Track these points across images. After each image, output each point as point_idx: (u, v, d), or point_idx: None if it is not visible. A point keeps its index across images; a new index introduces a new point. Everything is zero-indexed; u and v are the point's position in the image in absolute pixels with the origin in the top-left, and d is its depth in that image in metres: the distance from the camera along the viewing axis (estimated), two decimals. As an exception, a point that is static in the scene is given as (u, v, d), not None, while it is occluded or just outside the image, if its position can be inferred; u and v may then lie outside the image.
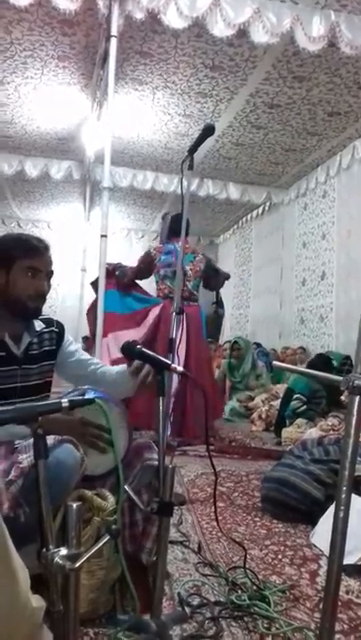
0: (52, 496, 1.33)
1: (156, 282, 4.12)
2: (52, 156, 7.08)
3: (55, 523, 1.36)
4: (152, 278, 4.26)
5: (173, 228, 4.00)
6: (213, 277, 4.19)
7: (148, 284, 4.39)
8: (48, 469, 1.21)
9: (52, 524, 1.15)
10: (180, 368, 1.58)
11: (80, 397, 1.21)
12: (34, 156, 7.08)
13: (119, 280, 4.08)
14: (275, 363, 1.76)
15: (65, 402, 1.14)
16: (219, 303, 11.26)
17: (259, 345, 7.62)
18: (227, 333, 10.07)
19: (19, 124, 6.14)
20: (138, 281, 4.30)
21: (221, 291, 11.03)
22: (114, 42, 3.77)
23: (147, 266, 4.10)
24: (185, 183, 2.37)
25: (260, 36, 3.78)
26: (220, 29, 3.71)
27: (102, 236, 3.88)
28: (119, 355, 1.94)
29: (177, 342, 3.00)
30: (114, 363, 2.82)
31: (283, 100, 5.24)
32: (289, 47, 4.21)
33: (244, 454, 4.11)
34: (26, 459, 1.46)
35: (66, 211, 9.64)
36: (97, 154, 6.06)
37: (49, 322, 1.93)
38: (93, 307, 3.91)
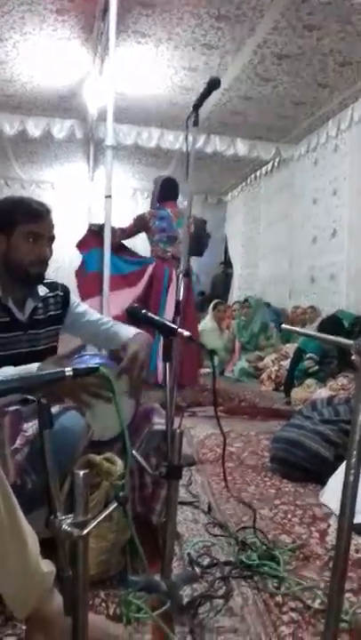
0: (59, 463, 1.32)
1: (150, 244, 4.13)
2: (54, 114, 6.90)
3: (63, 490, 1.37)
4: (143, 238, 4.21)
5: (165, 193, 4.10)
6: (199, 239, 4.12)
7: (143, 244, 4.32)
8: (54, 437, 1.20)
9: (58, 492, 1.15)
10: (187, 333, 1.55)
11: (84, 366, 1.19)
12: (35, 116, 6.90)
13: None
14: (284, 326, 1.73)
15: (69, 370, 1.12)
16: (227, 263, 11.18)
17: (268, 305, 7.58)
18: (235, 293, 10.00)
19: (18, 82, 5.97)
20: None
21: (230, 250, 10.96)
22: (114, -8, 3.61)
23: (140, 229, 4.10)
24: (190, 140, 2.30)
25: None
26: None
27: (107, 196, 3.82)
28: (116, 313, 1.97)
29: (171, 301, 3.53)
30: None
31: (292, 51, 5.02)
32: (298, -7, 4.00)
33: (254, 414, 4.13)
34: (31, 427, 1.46)
35: (69, 171, 9.47)
36: (100, 111, 5.90)
37: (53, 286, 1.91)
38: (81, 269, 3.94)
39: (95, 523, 1.07)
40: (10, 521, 1.23)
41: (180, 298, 2.63)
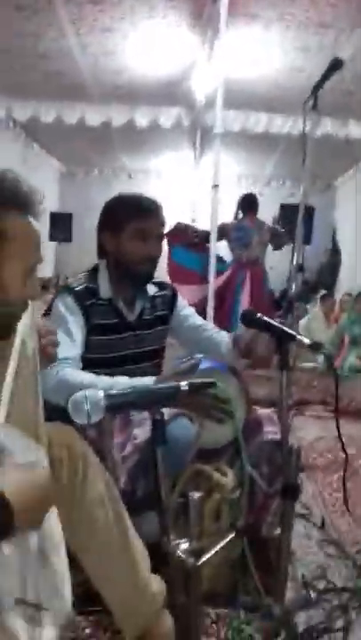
0: (168, 471, 1.27)
1: (230, 248, 4.92)
2: (160, 103, 6.88)
3: (172, 503, 1.30)
4: None
5: (243, 207, 4.92)
6: (277, 240, 4.92)
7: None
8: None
9: (170, 510, 1.08)
10: (308, 340, 1.42)
11: (200, 381, 1.11)
12: (143, 105, 6.94)
13: (189, 238, 4.62)
14: None
15: (184, 385, 1.04)
16: (335, 250, 10.70)
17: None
18: (344, 283, 9.56)
19: (127, 73, 6.00)
20: None
21: (338, 237, 10.47)
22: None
23: (221, 237, 4.42)
24: (307, 124, 2.16)
25: None
26: None
27: (214, 186, 3.74)
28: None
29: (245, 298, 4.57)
30: None
31: None
32: None
33: (366, 416, 3.88)
34: (141, 434, 1.41)
35: (175, 159, 9.48)
36: (207, 97, 5.80)
37: (162, 285, 1.85)
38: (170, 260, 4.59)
39: (211, 553, 0.99)
40: (119, 535, 1.19)
41: (293, 294, 2.52)
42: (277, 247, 4.95)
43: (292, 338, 1.40)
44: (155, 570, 1.27)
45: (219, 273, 4.22)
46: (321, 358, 5.92)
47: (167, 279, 4.87)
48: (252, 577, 1.51)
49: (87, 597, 1.39)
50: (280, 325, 1.42)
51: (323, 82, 2.10)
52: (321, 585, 1.60)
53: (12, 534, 0.79)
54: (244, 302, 4.61)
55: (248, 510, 1.72)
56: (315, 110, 2.13)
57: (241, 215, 4.91)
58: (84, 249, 1.76)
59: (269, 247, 5.08)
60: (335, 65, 2.06)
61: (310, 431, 3.28)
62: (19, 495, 0.77)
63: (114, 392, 1.01)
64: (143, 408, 1.11)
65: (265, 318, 1.47)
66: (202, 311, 3.61)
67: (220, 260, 4.33)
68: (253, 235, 4.77)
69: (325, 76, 2.09)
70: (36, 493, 0.82)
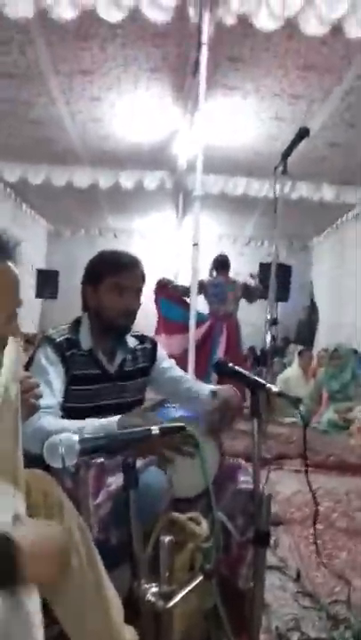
0: (142, 520, 1.29)
1: (208, 303, 5.40)
2: (145, 167, 7.19)
3: (146, 551, 1.32)
4: None
5: (218, 266, 5.44)
6: (250, 295, 5.45)
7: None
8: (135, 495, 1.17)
9: (143, 556, 1.11)
10: (276, 388, 1.49)
11: (170, 425, 1.16)
12: (128, 169, 7.23)
13: (171, 292, 5.17)
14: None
15: (155, 429, 1.09)
16: (313, 307, 10.93)
17: (355, 352, 7.28)
18: (321, 339, 9.72)
19: (113, 139, 6.29)
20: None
21: (316, 295, 10.72)
22: (204, 50, 3.75)
23: (199, 292, 4.82)
24: (278, 188, 2.30)
25: (356, 31, 3.59)
26: (313, 28, 3.57)
27: (194, 244, 3.88)
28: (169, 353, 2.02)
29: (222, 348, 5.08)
30: None
31: (381, 96, 4.95)
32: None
33: (343, 470, 3.90)
34: (114, 481, 1.44)
35: (158, 220, 9.78)
36: (189, 162, 6.08)
37: (142, 338, 1.92)
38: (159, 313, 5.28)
39: (180, 595, 1.02)
40: (93, 582, 1.20)
41: (267, 347, 2.60)
42: (251, 301, 5.49)
43: (262, 386, 1.46)
44: (128, 622, 1.28)
45: (198, 324, 4.45)
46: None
47: (152, 332, 5.23)
48: (226, 628, 1.51)
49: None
50: (250, 374, 1.49)
51: (291, 149, 2.26)
52: (295, 637, 1.60)
53: (19, 584, 0.82)
54: (221, 352, 5.09)
55: (223, 562, 1.73)
56: (285, 175, 2.27)
57: (215, 274, 5.41)
58: (70, 305, 1.83)
59: (243, 302, 5.58)
60: (302, 133, 2.23)
61: (289, 485, 3.29)
62: (31, 546, 0.81)
63: (87, 436, 1.06)
64: (116, 451, 1.15)
65: (236, 368, 1.54)
66: (185, 359, 3.84)
67: (199, 313, 4.54)
68: (228, 290, 5.29)
69: (293, 144, 2.25)
70: (50, 547, 0.85)
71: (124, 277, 1.73)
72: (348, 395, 5.89)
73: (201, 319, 4.85)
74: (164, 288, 5.16)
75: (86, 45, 4.32)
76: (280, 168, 2.27)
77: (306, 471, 1.57)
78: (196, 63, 4.08)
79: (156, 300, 5.20)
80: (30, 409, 1.16)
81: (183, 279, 5.85)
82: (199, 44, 3.80)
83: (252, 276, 5.58)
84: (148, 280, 1.96)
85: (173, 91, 5.08)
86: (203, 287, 5.06)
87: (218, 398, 1.68)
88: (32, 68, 4.68)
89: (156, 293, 5.13)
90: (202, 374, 4.19)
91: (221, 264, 5.45)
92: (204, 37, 3.71)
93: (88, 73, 4.77)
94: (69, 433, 1.08)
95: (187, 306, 4.69)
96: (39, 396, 1.20)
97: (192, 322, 3.95)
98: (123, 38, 4.24)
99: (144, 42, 4.28)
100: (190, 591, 1.51)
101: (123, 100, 5.28)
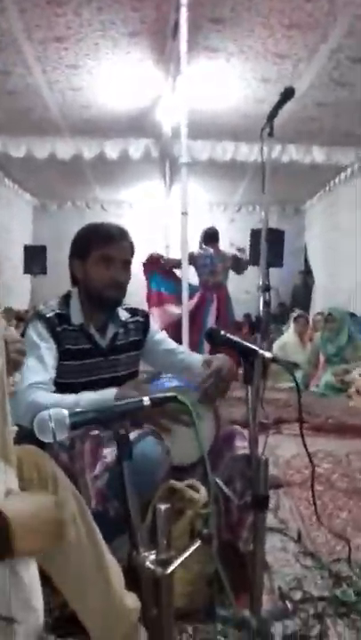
0: (140, 491, 1.29)
1: (198, 275, 5.50)
2: (129, 135, 7.05)
3: (146, 520, 1.33)
4: None
5: (207, 238, 5.52)
6: (238, 267, 5.58)
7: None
8: (133, 465, 1.17)
9: (140, 525, 1.11)
10: (268, 354, 1.48)
11: (162, 395, 1.15)
12: (112, 138, 7.09)
13: (162, 266, 5.31)
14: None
15: (146, 400, 1.08)
16: (307, 272, 10.90)
17: (353, 315, 7.28)
18: (317, 303, 9.72)
19: (95, 107, 6.15)
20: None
21: (310, 259, 10.68)
22: (184, 11, 3.64)
23: (190, 263, 4.90)
24: (265, 151, 2.25)
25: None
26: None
27: (183, 213, 3.83)
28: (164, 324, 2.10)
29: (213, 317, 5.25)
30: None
31: (369, 52, 4.83)
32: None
33: (342, 432, 3.93)
34: (110, 452, 1.43)
35: (147, 189, 9.64)
36: (174, 129, 5.96)
37: (134, 311, 1.90)
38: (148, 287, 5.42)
39: (179, 561, 1.02)
40: (92, 552, 1.20)
41: (261, 314, 2.59)
42: (239, 272, 5.65)
43: (254, 353, 1.45)
44: (129, 590, 1.29)
45: (190, 296, 4.57)
46: (297, 377, 6.00)
47: (144, 305, 5.30)
48: (228, 595, 1.53)
49: (64, 621, 1.40)
50: (242, 341, 1.48)
51: (277, 110, 2.19)
52: (297, 596, 1.62)
53: (14, 556, 0.81)
54: (212, 321, 5.24)
55: (224, 526, 1.75)
56: (271, 137, 2.22)
57: (204, 246, 5.50)
58: (60, 281, 1.80)
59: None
60: (287, 94, 2.16)
61: (288, 448, 3.31)
62: (24, 519, 0.80)
63: (78, 410, 1.05)
64: (108, 424, 1.14)
65: (228, 335, 1.52)
66: (178, 330, 4.03)
67: (190, 285, 4.61)
68: (218, 262, 5.41)
69: (279, 105, 2.18)
70: (43, 519, 0.85)
71: (112, 249, 1.70)
72: (344, 357, 5.91)
73: (192, 290, 4.96)
74: (155, 262, 5.31)
75: (60, 11, 4.18)
76: (266, 130, 2.20)
77: (302, 434, 1.57)
78: (176, 25, 3.98)
79: (146, 274, 5.35)
80: (15, 365, 1.14)
81: (174, 248, 5.84)
82: (178, 6, 3.69)
83: (239, 249, 5.67)
84: (139, 251, 1.93)
85: (154, 55, 4.95)
86: (193, 259, 5.16)
87: (209, 367, 1.67)
88: (5, 37, 4.54)
89: (146, 267, 5.29)
90: (195, 344, 4.23)
91: (210, 236, 5.55)
92: (183, -3, 3.61)
93: (63, 39, 4.63)
94: (60, 408, 1.07)
95: (177, 279, 4.93)
96: (23, 353, 1.18)
97: (185, 293, 3.94)
98: (98, 2, 4.10)
99: (121, 5, 4.14)
100: (191, 557, 1.52)
101: (102, 66, 5.15)
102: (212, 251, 5.45)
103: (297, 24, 4.36)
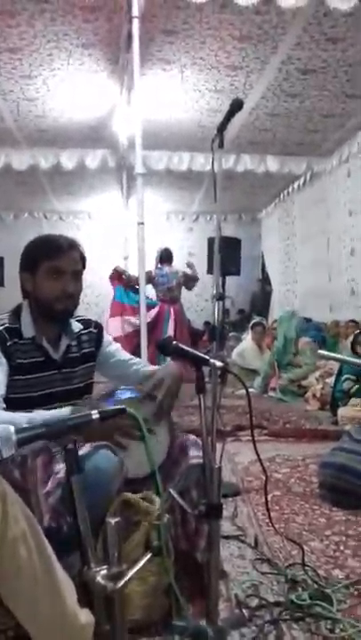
0: (95, 504, 1.28)
1: (155, 290, 5.94)
2: (86, 145, 7.04)
3: (102, 535, 1.32)
4: None
5: (163, 258, 5.99)
6: (188, 283, 6.10)
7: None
8: (87, 478, 1.16)
9: (91, 541, 1.10)
10: (220, 363, 1.50)
11: (111, 408, 1.15)
12: (69, 148, 7.06)
13: (125, 281, 5.74)
14: (320, 352, 1.66)
15: (95, 413, 1.08)
16: (265, 280, 11.07)
17: (309, 320, 7.43)
18: (275, 310, 9.88)
19: (50, 117, 6.12)
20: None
21: (267, 267, 10.85)
22: (136, 23, 3.67)
23: (148, 281, 5.26)
24: (216, 162, 2.29)
25: (287, -1, 3.58)
26: (244, -3, 3.54)
27: (139, 223, 3.83)
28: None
29: (170, 329, 5.74)
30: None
31: (317, 65, 4.98)
32: (319, 8, 3.95)
33: (300, 436, 4.00)
34: (62, 468, 1.42)
35: (105, 200, 9.63)
36: (130, 139, 5.97)
37: (87, 323, 1.88)
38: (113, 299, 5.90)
39: (130, 575, 1.02)
40: (43, 570, 1.19)
41: (216, 322, 2.62)
42: (189, 288, 6.22)
43: (205, 362, 1.47)
44: (83, 606, 1.28)
45: (149, 308, 4.85)
46: (256, 383, 6.09)
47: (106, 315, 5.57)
48: (182, 606, 1.53)
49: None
50: (192, 351, 1.49)
51: (226, 122, 2.23)
52: (254, 602, 1.63)
53: None
54: (171, 332, 5.66)
55: (182, 536, 1.75)
56: (222, 148, 2.25)
57: (159, 265, 5.99)
58: (17, 293, 1.77)
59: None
60: (236, 105, 2.20)
61: (246, 455, 3.34)
62: None
63: (25, 426, 1.04)
64: (57, 439, 1.13)
65: (180, 345, 1.53)
66: (138, 340, 4.17)
67: (148, 299, 4.98)
68: (173, 279, 5.94)
69: (228, 117, 2.22)
70: None
71: (60, 261, 1.69)
72: (294, 362, 6.03)
73: (151, 304, 5.44)
74: (118, 277, 5.80)
75: (13, 22, 4.17)
76: (216, 142, 2.24)
77: (253, 442, 1.59)
78: (129, 37, 3.99)
79: (113, 287, 5.88)
80: None
81: (132, 258, 5.92)
82: (130, 18, 3.71)
83: (188, 265, 6.17)
84: (99, 261, 1.91)
85: (108, 66, 4.98)
86: (150, 278, 5.58)
87: (153, 379, 1.68)
88: None
89: (111, 281, 5.83)
90: (154, 355, 4.31)
91: (166, 256, 6.06)
92: (135, 10, 3.63)
93: (17, 50, 4.61)
94: (8, 425, 1.05)
95: (137, 291, 5.08)
96: None
97: (142, 303, 3.93)
98: (51, 13, 4.10)
99: (74, 16, 4.16)
100: (146, 569, 1.53)
101: (56, 77, 5.14)
102: (167, 269, 5.95)
103: (248, 36, 4.47)
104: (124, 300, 5.77)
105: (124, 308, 5.75)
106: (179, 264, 6.19)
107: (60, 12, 4.07)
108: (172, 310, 5.88)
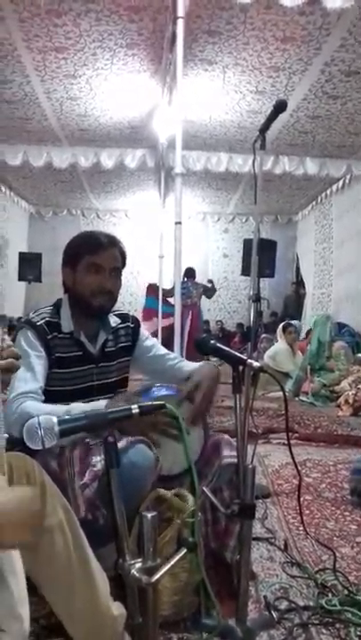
0: (129, 499, 1.30)
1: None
2: (125, 145, 7.10)
3: (133, 529, 1.34)
4: None
5: (187, 274, 7.71)
6: (207, 293, 8.29)
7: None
8: (122, 473, 1.18)
9: (127, 534, 1.12)
10: (257, 363, 1.50)
11: (151, 403, 1.16)
12: (109, 147, 7.14)
13: (156, 294, 7.73)
14: (358, 355, 1.63)
15: (135, 408, 1.10)
16: (299, 282, 10.96)
17: (343, 325, 7.34)
18: (308, 313, 9.77)
19: (92, 117, 6.20)
20: None
21: (302, 269, 10.75)
22: (181, 23, 3.68)
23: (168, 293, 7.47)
24: (257, 163, 2.28)
25: (333, 0, 3.54)
26: (290, -2, 3.52)
27: (177, 223, 3.85)
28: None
29: (187, 329, 7.34)
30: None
31: (361, 66, 4.91)
32: (365, 9, 3.90)
33: (331, 442, 3.95)
34: (100, 461, 1.44)
35: (142, 199, 9.69)
36: (170, 139, 6.00)
37: (124, 317, 1.91)
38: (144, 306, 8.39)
39: (164, 570, 1.03)
40: (79, 560, 1.21)
41: (251, 324, 2.61)
42: (209, 297, 8.48)
43: (242, 362, 1.47)
44: (116, 598, 1.29)
45: (171, 314, 5.74)
46: (288, 386, 6.05)
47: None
48: (214, 604, 1.54)
49: (50, 630, 1.40)
50: (230, 350, 1.50)
51: (268, 123, 2.22)
52: (283, 605, 1.63)
53: None
54: (187, 330, 7.13)
55: (212, 535, 1.76)
56: (263, 150, 2.24)
57: (185, 279, 7.56)
58: (54, 288, 1.80)
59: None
60: (279, 107, 2.18)
61: (277, 458, 3.33)
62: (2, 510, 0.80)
63: (67, 417, 1.06)
64: (96, 431, 1.15)
65: (217, 344, 1.54)
66: (166, 338, 5.42)
67: (171, 305, 5.96)
68: (193, 290, 7.94)
69: (271, 118, 2.20)
70: (20, 509, 0.85)
71: (100, 257, 1.71)
72: (323, 357, 5.97)
73: (172, 312, 6.28)
74: (153, 291, 7.87)
75: (59, 21, 4.23)
76: (258, 143, 2.23)
77: (289, 445, 1.58)
78: (173, 37, 4.01)
79: (146, 297, 8.09)
80: (9, 369, 1.13)
81: (168, 257, 5.98)
82: (175, 18, 3.73)
83: (209, 281, 8.49)
84: (135, 259, 1.94)
85: (151, 66, 5.01)
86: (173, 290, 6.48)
87: (191, 382, 1.69)
88: (5, 46, 4.58)
89: (147, 290, 8.09)
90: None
91: (190, 273, 7.92)
92: (180, 10, 3.64)
93: (62, 49, 4.68)
94: (50, 416, 1.07)
95: (166, 302, 7.54)
96: (16, 355, 1.16)
97: (177, 298, 3.99)
98: (97, 13, 4.15)
99: (119, 16, 4.20)
100: (178, 566, 1.54)
101: (99, 76, 5.20)
102: (189, 282, 7.90)
103: (291, 37, 4.44)
104: (153, 307, 7.88)
105: (150, 313, 7.94)
106: (213, 266, 7.19)
107: (105, 11, 4.12)
108: (190, 313, 7.60)
